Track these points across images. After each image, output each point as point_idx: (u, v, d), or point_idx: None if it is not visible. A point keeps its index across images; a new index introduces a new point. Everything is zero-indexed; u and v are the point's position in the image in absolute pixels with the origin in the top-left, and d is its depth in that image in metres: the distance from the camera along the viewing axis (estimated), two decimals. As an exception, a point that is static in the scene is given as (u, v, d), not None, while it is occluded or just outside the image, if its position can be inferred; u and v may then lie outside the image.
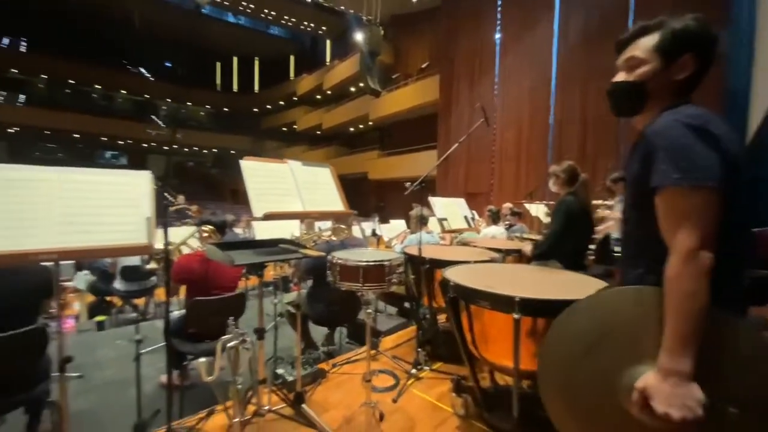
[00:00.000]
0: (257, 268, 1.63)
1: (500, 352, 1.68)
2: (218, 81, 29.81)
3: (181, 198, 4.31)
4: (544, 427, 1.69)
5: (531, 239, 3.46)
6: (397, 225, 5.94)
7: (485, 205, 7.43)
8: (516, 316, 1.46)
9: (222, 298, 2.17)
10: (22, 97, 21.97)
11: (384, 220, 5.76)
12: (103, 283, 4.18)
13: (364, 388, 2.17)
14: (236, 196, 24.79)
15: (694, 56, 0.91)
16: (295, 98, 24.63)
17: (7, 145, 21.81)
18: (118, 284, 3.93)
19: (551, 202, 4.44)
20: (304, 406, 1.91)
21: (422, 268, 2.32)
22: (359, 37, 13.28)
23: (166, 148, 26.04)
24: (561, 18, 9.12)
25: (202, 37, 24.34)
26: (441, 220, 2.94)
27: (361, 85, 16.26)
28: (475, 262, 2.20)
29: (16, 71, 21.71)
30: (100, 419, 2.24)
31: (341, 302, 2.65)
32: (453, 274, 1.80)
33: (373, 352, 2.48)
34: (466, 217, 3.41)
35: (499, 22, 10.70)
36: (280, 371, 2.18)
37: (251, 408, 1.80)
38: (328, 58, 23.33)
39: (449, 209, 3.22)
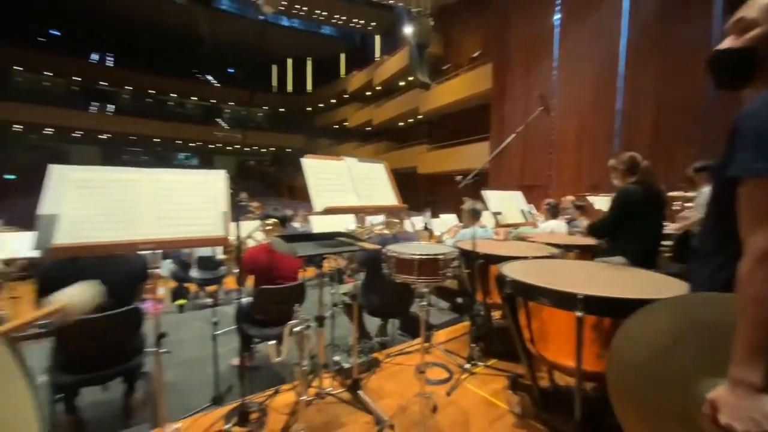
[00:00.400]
0: (317, 259, 1.73)
1: (561, 351, 1.62)
2: (274, 83, 31.48)
3: (243, 195, 4.65)
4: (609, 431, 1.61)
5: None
6: (448, 219, 5.87)
7: (542, 198, 7.03)
8: (579, 314, 1.39)
9: (285, 287, 2.34)
10: (111, 107, 25.07)
11: (434, 214, 5.73)
12: (182, 271, 4.69)
13: (417, 379, 2.21)
14: (293, 192, 26.16)
15: None
16: (346, 95, 25.22)
17: (100, 149, 25.09)
18: (194, 272, 4.39)
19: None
20: (360, 392, 1.99)
21: (476, 264, 2.29)
22: (408, 30, 13.19)
23: (229, 148, 28.24)
24: (631, -10, 8.26)
25: (259, 43, 25.83)
26: (495, 214, 2.86)
27: (411, 78, 16.19)
28: (533, 257, 2.12)
29: (106, 84, 24.80)
30: (184, 390, 2.53)
31: (394, 294, 2.71)
32: (510, 270, 1.75)
33: (426, 344, 2.50)
34: (522, 211, 3.28)
35: (558, 2, 9.99)
36: (336, 358, 2.29)
37: (312, 390, 1.92)
38: (377, 54, 23.51)
39: (504, 203, 3.11)
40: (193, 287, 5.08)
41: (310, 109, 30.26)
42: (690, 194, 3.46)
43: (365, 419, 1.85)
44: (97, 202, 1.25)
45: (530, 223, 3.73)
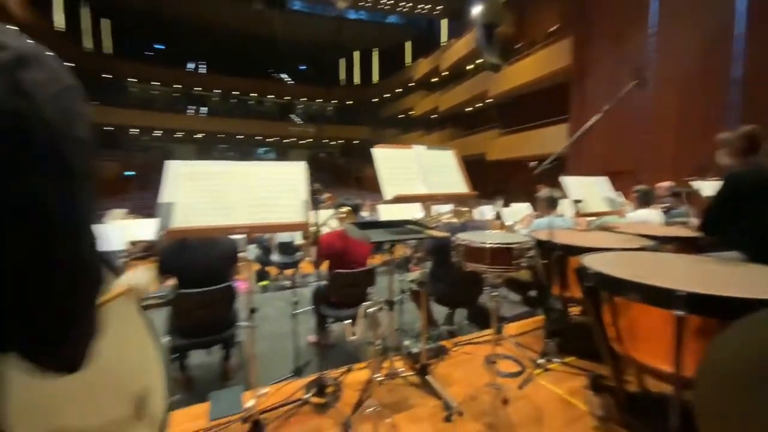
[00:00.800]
0: (387, 246, 1.79)
1: (653, 352, 1.46)
2: (342, 76, 32.50)
3: (317, 185, 4.95)
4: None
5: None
6: (520, 208, 5.56)
7: (631, 185, 6.23)
8: (678, 312, 1.24)
9: (357, 271, 2.46)
10: (204, 109, 28.33)
11: (505, 203, 5.47)
12: (264, 255, 5.18)
13: (486, 370, 2.18)
14: (360, 182, 26.98)
15: None
16: (412, 84, 25.04)
17: (195, 147, 28.54)
18: (275, 257, 4.82)
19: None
20: (428, 377, 2.03)
21: (553, 255, 2.15)
22: (477, 10, 12.56)
23: (302, 142, 30.06)
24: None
25: (328, 38, 26.82)
26: (576, 202, 2.64)
27: (480, 61, 15.46)
28: (621, 249, 1.92)
29: (199, 89, 28.05)
30: (269, 361, 2.83)
31: (462, 284, 2.68)
32: (593, 262, 1.62)
33: (497, 336, 2.44)
34: (608, 199, 2.97)
35: (657, -43, 8.62)
36: (405, 343, 2.36)
37: (383, 370, 2.01)
38: (443, 39, 22.84)
39: (586, 189, 2.85)
40: (273, 270, 5.60)
41: (376, 99, 30.71)
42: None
43: (433, 403, 1.88)
44: (202, 191, 1.44)
45: (617, 211, 3.36)
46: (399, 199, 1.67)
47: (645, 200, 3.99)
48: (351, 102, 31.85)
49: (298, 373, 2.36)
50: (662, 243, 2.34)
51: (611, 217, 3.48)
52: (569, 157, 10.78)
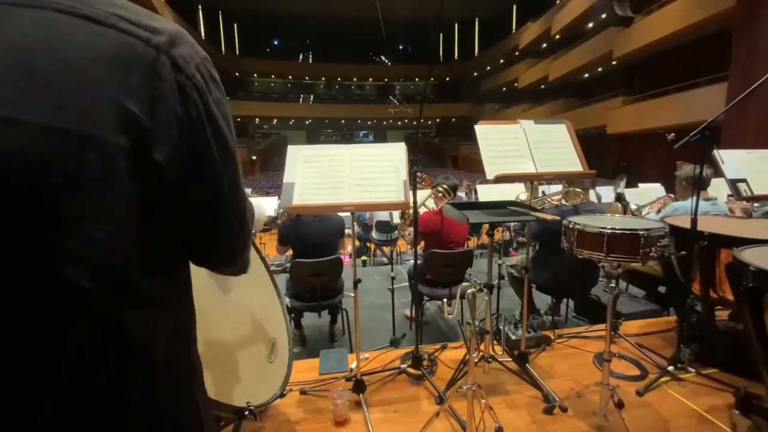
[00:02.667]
0: (486, 229, 1.73)
1: None
2: (441, 53, 31.48)
3: (414, 168, 5.00)
4: None
5: None
6: (650, 189, 4.69)
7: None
8: None
9: (454, 252, 2.45)
10: (311, 97, 30.85)
11: (629, 183, 4.67)
12: (365, 232, 5.52)
13: (597, 368, 1.98)
14: (456, 161, 26.27)
15: None
16: (517, 53, 22.85)
17: (305, 133, 31.42)
18: (374, 234, 5.11)
19: None
20: (528, 365, 1.94)
21: (697, 246, 1.79)
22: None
23: (399, 123, 30.46)
24: None
25: (424, 13, 26.10)
26: (735, 183, 2.11)
27: (604, 16, 13.23)
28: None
29: (307, 78, 30.55)
30: (369, 329, 3.06)
31: (571, 273, 2.44)
32: (755, 257, 1.30)
33: (612, 333, 2.18)
34: (783, 179, 2.30)
35: None
36: (504, 328, 2.28)
37: (479, 353, 1.99)
38: (557, -3, 20.06)
39: (750, 166, 2.25)
40: (372, 247, 5.95)
41: (476, 74, 29.03)
42: None
43: (532, 393, 1.80)
44: (316, 172, 1.60)
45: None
46: (501, 179, 1.58)
47: None
48: (449, 79, 30.77)
49: (395, 343, 2.50)
50: None
51: (787, 202, 2.70)
52: (725, 127, 8.62)
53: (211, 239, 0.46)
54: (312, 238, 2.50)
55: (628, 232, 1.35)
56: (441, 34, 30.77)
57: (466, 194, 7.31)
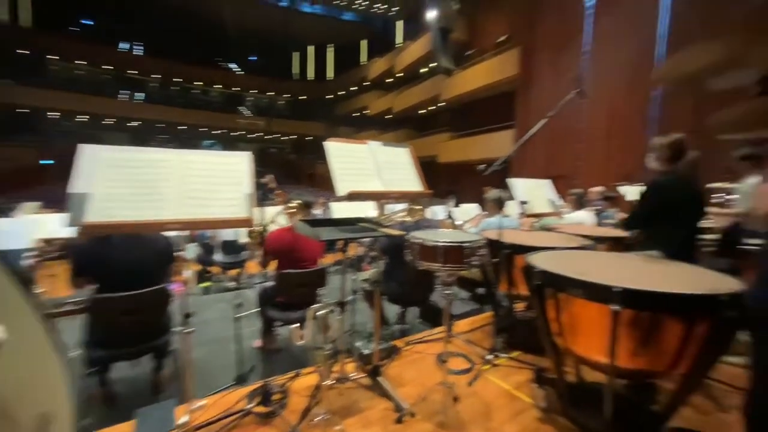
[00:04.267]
0: (340, 245, 1.71)
1: (591, 345, 1.55)
2: (296, 70, 31.52)
3: (268, 177, 4.62)
4: (639, 431, 1.54)
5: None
6: (469, 209, 5.76)
7: (568, 189, 6.74)
8: (615, 307, 1.32)
9: (307, 271, 2.34)
10: (140, 95, 25.82)
11: (457, 203, 5.63)
12: (207, 254, 4.81)
13: (438, 368, 2.19)
14: (313, 179, 26.37)
15: None
16: (367, 83, 24.99)
17: (129, 136, 25.97)
18: (218, 256, 4.50)
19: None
20: (380, 378, 1.99)
21: (502, 253, 2.22)
22: (432, 15, 12.83)
23: (251, 136, 28.68)
24: (675, -33, 7.70)
25: (281, 30, 25.85)
26: (522, 203, 2.76)
27: (433, 64, 15.83)
28: (564, 248, 2.03)
29: (135, 72, 25.54)
30: (209, 369, 2.61)
31: (415, 282, 2.68)
32: (539, 261, 1.68)
33: (447, 334, 2.47)
34: (550, 201, 3.15)
35: (592, -18, 9.44)
36: (357, 344, 2.29)
37: (333, 375, 1.92)
38: (399, 40, 23.08)
39: (532, 191, 3.00)
40: (216, 270, 5.22)
41: (330, 96, 30.23)
42: (733, 185, 3.23)
43: (385, 405, 1.84)
44: (127, 181, 1.26)
45: (556, 213, 3.59)
46: (352, 196, 1.60)
47: (580, 203, 4.33)
48: (304, 97, 31.00)
49: (241, 380, 2.19)
50: (597, 242, 2.53)
51: (551, 218, 3.71)
52: (514, 162, 11.46)
53: None
54: (125, 265, 1.97)
55: (457, 244, 1.55)
56: (297, 53, 30.96)
57: (323, 211, 7.34)
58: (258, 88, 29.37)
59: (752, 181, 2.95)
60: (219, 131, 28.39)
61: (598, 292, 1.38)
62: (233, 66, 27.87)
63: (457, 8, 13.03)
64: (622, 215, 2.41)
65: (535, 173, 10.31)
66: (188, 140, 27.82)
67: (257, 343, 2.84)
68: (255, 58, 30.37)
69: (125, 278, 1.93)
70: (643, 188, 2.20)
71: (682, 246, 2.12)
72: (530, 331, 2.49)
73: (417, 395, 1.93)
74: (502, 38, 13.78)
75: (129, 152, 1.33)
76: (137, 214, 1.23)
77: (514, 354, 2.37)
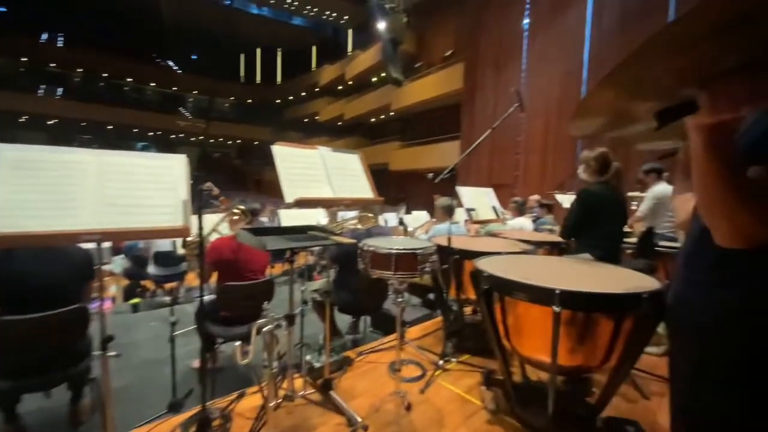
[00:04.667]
0: (287, 254, 1.63)
1: (535, 346, 1.62)
2: (242, 73, 30.26)
3: (208, 185, 4.33)
4: (579, 425, 1.64)
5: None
6: (420, 216, 5.88)
7: (509, 197, 7.19)
8: (556, 309, 1.39)
9: (252, 283, 2.20)
10: (59, 90, 23.00)
11: (407, 210, 5.71)
12: (138, 268, 4.35)
13: (391, 377, 2.17)
14: (260, 186, 25.31)
15: None
16: (317, 89, 24.72)
17: (46, 136, 22.98)
18: (151, 269, 4.08)
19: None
20: (332, 392, 1.91)
21: (451, 259, 2.27)
22: (382, 25, 13.09)
23: (193, 139, 26.87)
24: (595, 0, 8.66)
25: (226, 29, 24.72)
26: (469, 210, 2.87)
27: (383, 74, 16.12)
28: (508, 253, 2.12)
29: (54, 65, 22.75)
30: (138, 396, 2.33)
31: (367, 291, 2.64)
32: (486, 265, 1.74)
33: (399, 341, 2.46)
34: (494, 208, 3.31)
35: (528, 6, 10.29)
36: (307, 358, 2.19)
37: (281, 392, 1.82)
38: (350, 48, 23.21)
39: (478, 199, 3.13)
40: (150, 285, 4.74)
41: (279, 101, 29.43)
42: (643, 194, 3.67)
43: (337, 420, 1.77)
44: (35, 185, 1.08)
45: (500, 220, 3.79)
46: (301, 203, 1.54)
47: (520, 210, 4.62)
48: (251, 101, 29.80)
49: (175, 408, 1.98)
50: (536, 247, 2.70)
51: (495, 225, 3.91)
52: (460, 171, 12.00)
53: None
54: (34, 282, 1.70)
55: (410, 251, 1.54)
56: (243, 55, 29.76)
57: (270, 219, 7.05)
58: (200, 88, 27.68)
59: (657, 189, 3.38)
60: (154, 133, 26.17)
61: (540, 295, 1.45)
62: (171, 63, 26.05)
63: (406, 21, 13.43)
64: (557, 222, 2.59)
65: (479, 182, 10.96)
66: (117, 141, 25.29)
67: (196, 363, 2.61)
68: (196, 56, 28.67)
69: (35, 298, 1.66)
70: (576, 198, 2.40)
71: (609, 249, 2.33)
72: (478, 334, 2.58)
73: (370, 406, 1.88)
74: (449, 53, 14.46)
75: (38, 152, 1.15)
76: (46, 224, 1.06)
77: (464, 357, 2.42)
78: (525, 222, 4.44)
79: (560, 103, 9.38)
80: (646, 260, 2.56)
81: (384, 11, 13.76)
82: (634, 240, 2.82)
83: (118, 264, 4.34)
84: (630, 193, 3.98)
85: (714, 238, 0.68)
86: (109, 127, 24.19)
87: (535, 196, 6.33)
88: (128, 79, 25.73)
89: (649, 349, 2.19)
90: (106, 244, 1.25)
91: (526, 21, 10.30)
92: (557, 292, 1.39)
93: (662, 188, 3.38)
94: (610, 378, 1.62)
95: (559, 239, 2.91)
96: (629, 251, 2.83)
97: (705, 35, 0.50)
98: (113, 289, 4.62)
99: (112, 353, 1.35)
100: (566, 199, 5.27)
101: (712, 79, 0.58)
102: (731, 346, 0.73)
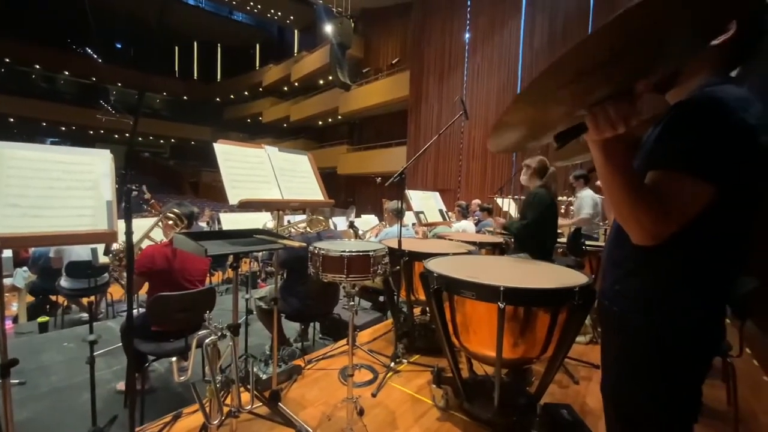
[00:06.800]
0: (230, 261, 1.52)
1: (482, 341, 1.69)
2: (176, 67, 28.01)
3: (138, 185, 3.91)
4: (522, 414, 1.74)
5: (502, 233, 3.55)
6: (369, 219, 5.89)
7: (453, 201, 7.56)
8: (501, 305, 1.47)
9: (189, 293, 2.02)
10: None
11: (356, 214, 5.70)
12: (46, 281, 3.78)
13: (342, 383, 2.12)
14: (197, 189, 23.55)
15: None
16: (261, 89, 23.73)
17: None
18: (63, 282, 3.57)
19: (521, 197, 4.60)
20: (280, 404, 1.82)
21: (402, 261, 2.29)
22: (329, 29, 12.99)
23: (117, 136, 24.19)
24: (527, 21, 9.46)
25: (156, 18, 22.72)
26: (418, 214, 2.93)
27: (331, 78, 15.97)
28: (454, 254, 2.20)
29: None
30: (48, 428, 2.01)
31: (316, 296, 2.56)
32: (436, 266, 1.78)
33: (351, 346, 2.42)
34: (440, 211, 3.43)
35: (468, 22, 10.92)
36: (252, 370, 2.06)
37: (225, 409, 1.68)
38: (296, 49, 22.66)
39: (426, 203, 3.22)
40: (62, 300, 4.13)
41: (219, 99, 27.74)
42: (572, 198, 4.06)
43: (286, 434, 1.69)
44: None
45: (446, 222, 3.94)
46: (246, 205, 1.45)
47: (464, 213, 4.84)
48: (187, 98, 27.66)
49: (95, 438, 1.74)
50: (479, 247, 2.84)
51: (442, 227, 4.05)
52: (407, 175, 12.28)
53: None
54: None
55: (362, 254, 1.53)
56: (178, 48, 27.59)
57: (209, 224, 6.58)
58: (125, 81, 25.00)
59: (584, 193, 3.76)
60: (68, 127, 23.10)
61: (486, 292, 1.52)
62: (90, 51, 23.29)
63: (353, 27, 13.49)
64: (501, 221, 2.73)
65: (425, 186, 11.33)
66: (22, 136, 21.93)
67: (120, 385, 2.32)
68: (120, 45, 25.98)
69: None
70: (517, 201, 2.56)
71: (544, 248, 2.52)
72: (427, 334, 2.63)
73: (322, 415, 1.83)
74: (395, 60, 14.78)
75: None
76: None
77: (415, 358, 2.46)
78: (468, 224, 4.65)
79: (498, 113, 10.05)
80: (575, 257, 2.81)
81: (331, 15, 13.68)
82: (563, 240, 3.09)
83: (20, 277, 3.72)
84: (560, 198, 4.37)
85: (630, 237, 0.77)
86: (10, 120, 20.91)
87: (477, 201, 6.72)
88: (36, 67, 22.49)
89: (577, 338, 2.41)
90: (6, 253, 1.06)
91: (467, 35, 10.91)
92: (501, 289, 1.47)
93: (588, 193, 3.75)
94: (548, 367, 1.74)
95: (500, 240, 3.10)
96: (560, 250, 3.10)
97: (584, 69, 0.60)
98: (14, 306, 3.96)
99: (15, 381, 1.15)
100: (505, 203, 5.64)
101: (593, 104, 0.69)
102: (645, 332, 0.82)
